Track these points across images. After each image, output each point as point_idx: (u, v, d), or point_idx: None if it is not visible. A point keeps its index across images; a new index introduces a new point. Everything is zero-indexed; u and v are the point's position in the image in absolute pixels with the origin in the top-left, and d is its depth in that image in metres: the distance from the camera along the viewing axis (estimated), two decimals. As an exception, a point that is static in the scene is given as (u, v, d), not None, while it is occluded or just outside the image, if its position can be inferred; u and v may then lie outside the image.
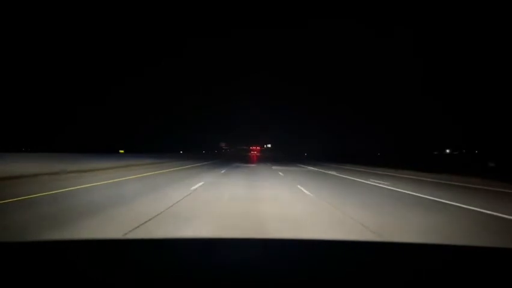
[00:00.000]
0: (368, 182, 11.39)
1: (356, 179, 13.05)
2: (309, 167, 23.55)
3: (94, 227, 3.78)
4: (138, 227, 3.83)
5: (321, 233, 3.85)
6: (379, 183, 10.94)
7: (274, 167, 22.04)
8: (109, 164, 16.69)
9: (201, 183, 9.43)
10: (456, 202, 6.60)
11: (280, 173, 15.46)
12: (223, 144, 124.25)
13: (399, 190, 8.89)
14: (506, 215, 5.34)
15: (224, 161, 34.94)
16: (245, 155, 72.81)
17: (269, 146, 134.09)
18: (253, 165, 25.57)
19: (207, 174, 13.54)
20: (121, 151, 45.49)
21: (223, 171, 15.74)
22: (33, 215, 4.36)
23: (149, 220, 4.20)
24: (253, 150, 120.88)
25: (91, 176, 10.65)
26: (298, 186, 9.49)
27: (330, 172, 17.68)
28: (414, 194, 8.07)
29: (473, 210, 5.79)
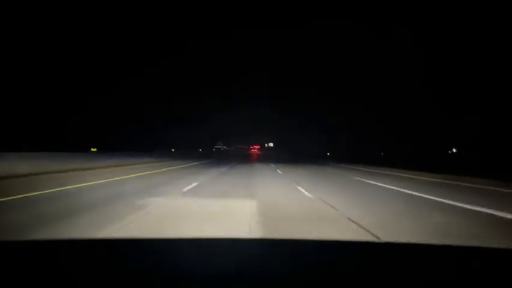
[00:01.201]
0: None
1: None
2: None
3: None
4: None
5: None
6: None
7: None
8: (108, 163, 16.62)
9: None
10: None
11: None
12: (220, 143, 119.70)
13: None
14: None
15: (209, 163, 24.59)
16: (244, 154, 69.24)
17: (271, 145, 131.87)
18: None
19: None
20: (94, 149, 44.20)
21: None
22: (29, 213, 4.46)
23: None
24: (253, 149, 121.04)
25: (84, 176, 10.24)
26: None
27: None
28: None
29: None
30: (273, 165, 21.80)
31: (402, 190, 8.66)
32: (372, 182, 10.92)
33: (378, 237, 3.78)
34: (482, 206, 6.04)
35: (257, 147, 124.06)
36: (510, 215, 5.33)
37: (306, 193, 7.58)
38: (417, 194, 7.87)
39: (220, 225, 4.25)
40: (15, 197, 6.15)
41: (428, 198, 7.11)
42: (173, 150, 49.30)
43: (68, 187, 7.94)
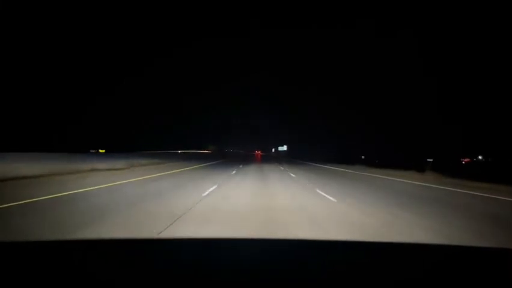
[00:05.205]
0: None
1: None
2: None
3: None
4: None
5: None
6: None
7: None
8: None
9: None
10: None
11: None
12: (213, 148, 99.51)
13: None
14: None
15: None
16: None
17: (284, 148, 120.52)
18: None
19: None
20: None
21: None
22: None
23: None
24: (252, 153, 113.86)
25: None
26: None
27: None
28: None
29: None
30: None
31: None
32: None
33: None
34: None
35: (259, 153, 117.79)
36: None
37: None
38: None
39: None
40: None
41: None
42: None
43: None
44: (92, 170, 14.35)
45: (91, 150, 47.61)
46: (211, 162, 30.18)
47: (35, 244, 1.22)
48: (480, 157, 60.47)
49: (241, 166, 23.49)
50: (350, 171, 20.37)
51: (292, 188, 9.36)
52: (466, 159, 50.77)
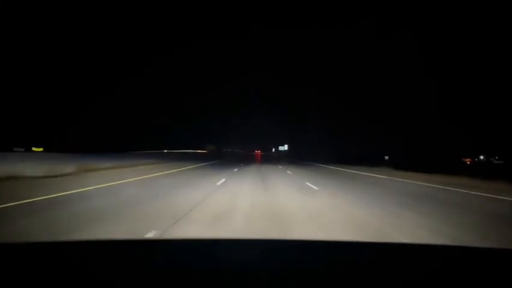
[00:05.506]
0: None
1: None
2: None
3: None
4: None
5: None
6: None
7: None
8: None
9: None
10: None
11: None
12: (211, 148, 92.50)
13: None
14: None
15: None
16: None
17: (285, 148, 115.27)
18: None
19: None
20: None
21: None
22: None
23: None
24: (252, 153, 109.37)
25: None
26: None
27: None
28: None
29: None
30: None
31: None
32: None
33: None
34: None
35: (259, 152, 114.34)
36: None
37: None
38: None
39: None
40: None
41: None
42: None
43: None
44: (10, 178, 9.60)
45: (14, 149, 39.65)
46: (201, 164, 25.31)
47: (34, 245, 1.21)
48: (482, 157, 57.76)
49: (235, 170, 18.32)
50: (387, 177, 14.96)
51: (329, 223, 4.56)
52: (468, 160, 49.42)
